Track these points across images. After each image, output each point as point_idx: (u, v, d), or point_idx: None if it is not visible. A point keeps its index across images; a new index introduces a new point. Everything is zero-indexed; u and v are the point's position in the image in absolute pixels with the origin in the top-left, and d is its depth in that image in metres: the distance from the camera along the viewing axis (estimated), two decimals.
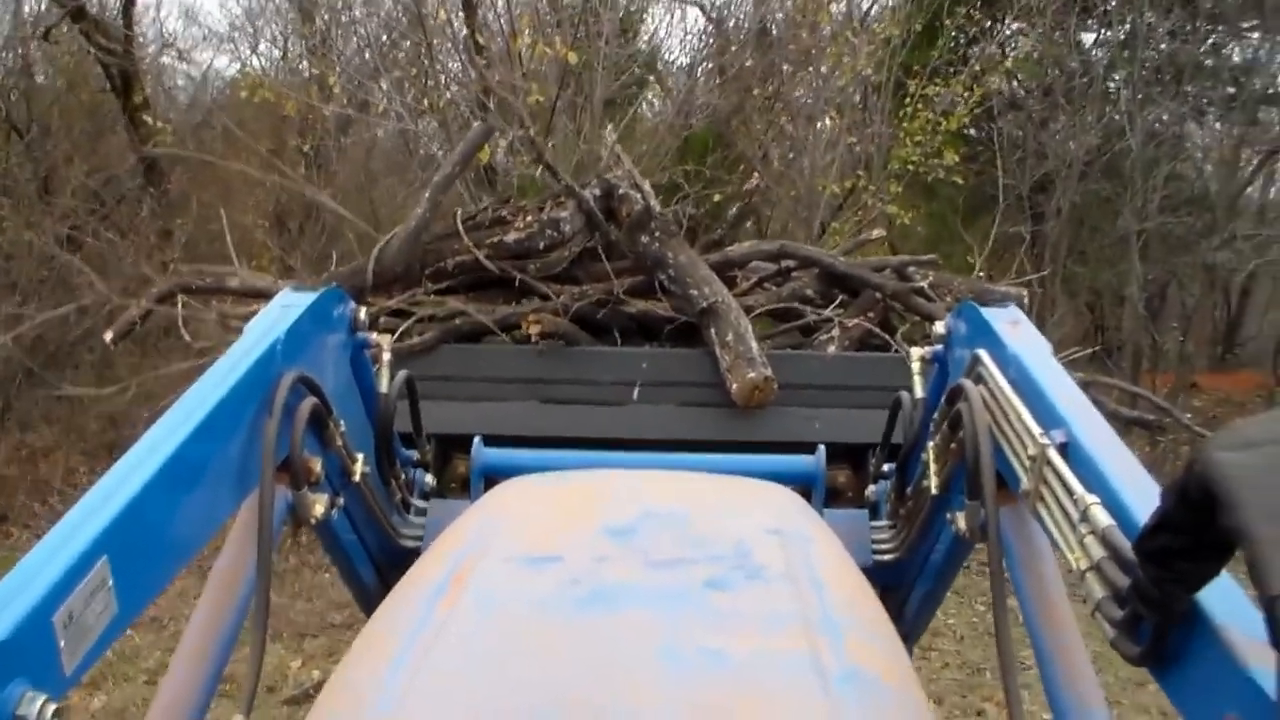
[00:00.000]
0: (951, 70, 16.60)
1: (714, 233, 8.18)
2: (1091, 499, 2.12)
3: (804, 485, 3.96)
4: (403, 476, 3.84)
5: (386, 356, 3.65)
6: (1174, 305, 22.95)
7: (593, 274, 5.48)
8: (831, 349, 5.37)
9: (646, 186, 5.53)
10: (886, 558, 3.76)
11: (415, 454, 4.09)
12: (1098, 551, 2.00)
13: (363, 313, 3.51)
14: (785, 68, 16.91)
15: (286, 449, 2.68)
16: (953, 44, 17.36)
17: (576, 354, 5.15)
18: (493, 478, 3.77)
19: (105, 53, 18.00)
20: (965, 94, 16.23)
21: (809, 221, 16.19)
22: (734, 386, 4.82)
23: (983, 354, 3.02)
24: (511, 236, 5.32)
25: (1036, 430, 2.47)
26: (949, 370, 3.55)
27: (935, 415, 3.29)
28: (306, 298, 3.13)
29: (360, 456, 3.17)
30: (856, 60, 15.48)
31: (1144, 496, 2.01)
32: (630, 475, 3.07)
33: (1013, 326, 3.14)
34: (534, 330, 5.02)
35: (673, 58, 20.10)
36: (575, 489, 2.83)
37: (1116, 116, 19.08)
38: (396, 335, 4.82)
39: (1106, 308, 23.63)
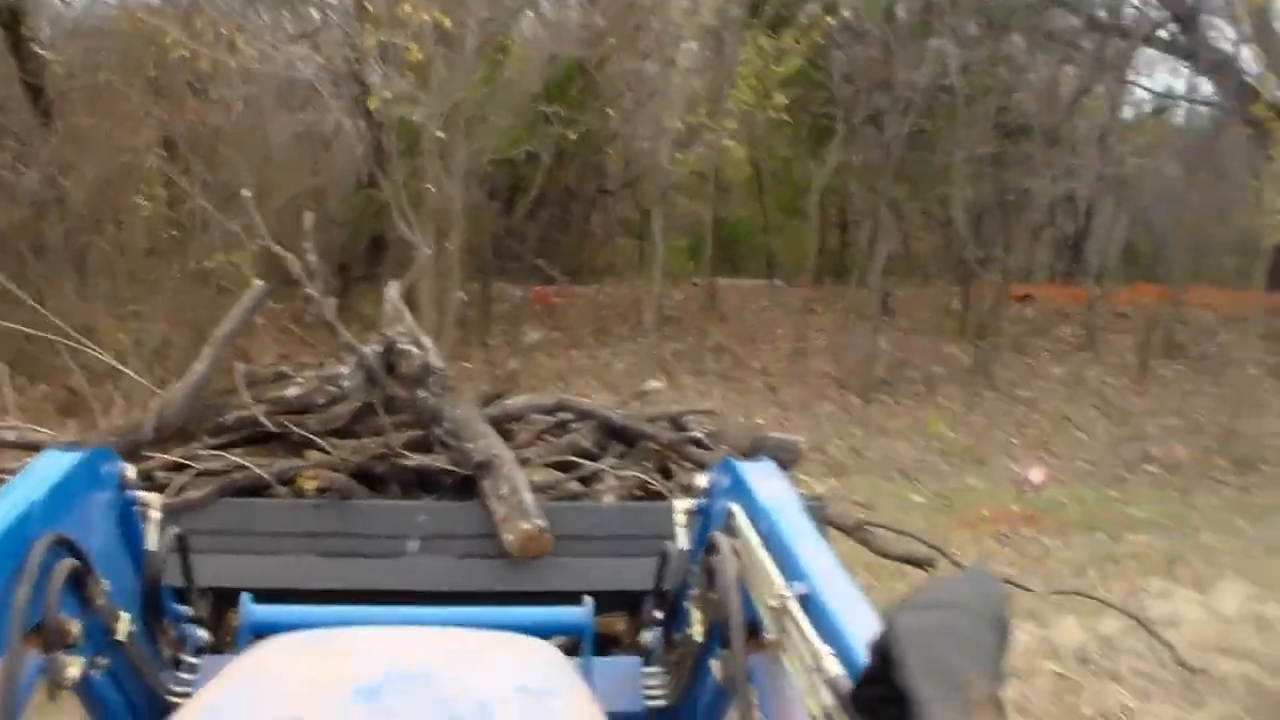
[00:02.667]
0: (787, 16, 20.50)
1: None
2: (825, 649, 2.40)
3: (574, 636, 4.31)
4: (173, 633, 4.04)
5: (155, 514, 3.86)
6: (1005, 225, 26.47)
7: (372, 428, 5.87)
8: (608, 499, 5.81)
9: (426, 341, 5.86)
10: (658, 704, 4.06)
11: (189, 610, 4.29)
12: (829, 699, 2.28)
13: (131, 471, 3.72)
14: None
15: (39, 613, 2.79)
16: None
17: (354, 508, 5.47)
18: (263, 633, 3.94)
19: None
20: (795, 43, 20.79)
21: (654, 154, 20.87)
22: (509, 538, 5.18)
23: (736, 508, 3.35)
24: (292, 392, 5.74)
25: (780, 582, 2.77)
26: (710, 522, 3.85)
27: (695, 566, 3.63)
28: (70, 458, 3.30)
29: (125, 616, 3.32)
30: (700, 14, 19.95)
31: None
32: (386, 633, 3.31)
33: (766, 480, 3.50)
34: (309, 485, 5.37)
35: None
36: (330, 647, 3.02)
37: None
38: (174, 490, 5.17)
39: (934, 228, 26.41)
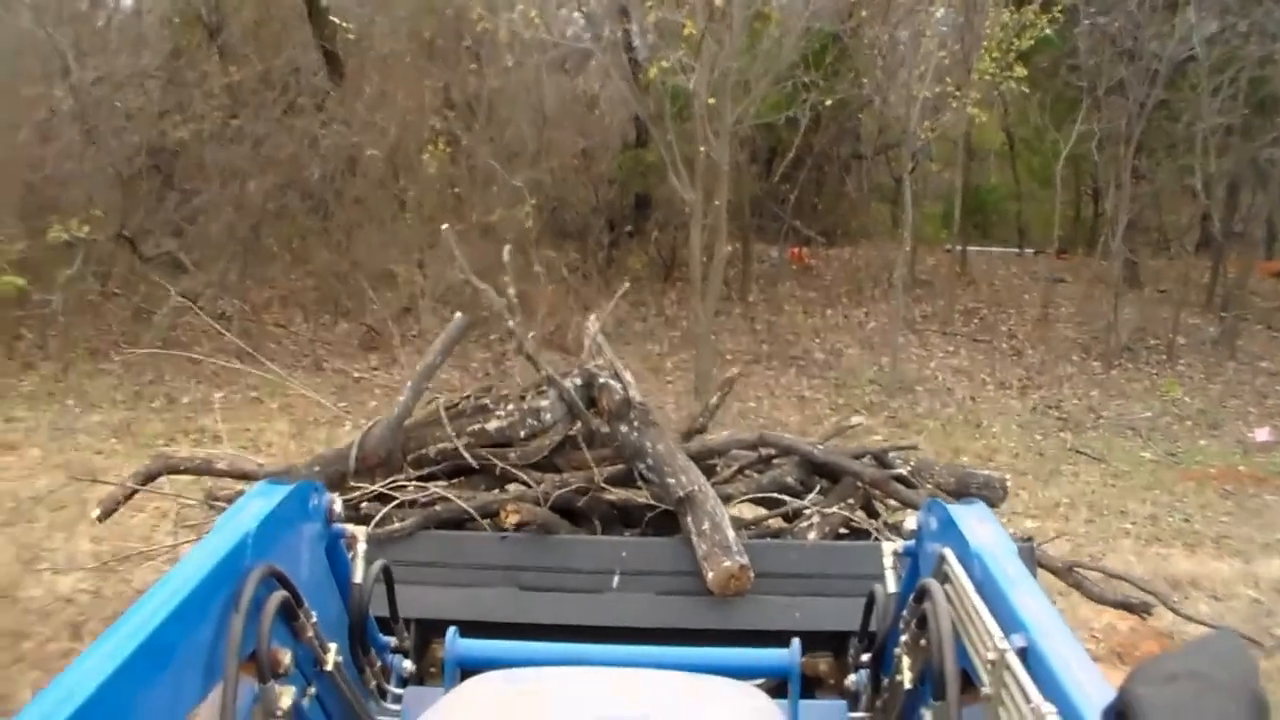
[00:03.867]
0: None
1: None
2: (1048, 708, 2.18)
3: (780, 678, 4.00)
4: (379, 663, 3.85)
5: (361, 547, 3.69)
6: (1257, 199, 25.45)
7: (573, 462, 5.54)
8: (812, 536, 5.38)
9: (627, 376, 5.54)
10: None
11: (393, 640, 4.10)
12: None
13: (338, 504, 3.56)
14: None
15: (254, 642, 2.69)
16: None
17: (555, 542, 5.17)
18: (468, 668, 3.82)
19: None
20: (1036, 17, 20.24)
21: (904, 121, 21.08)
22: (710, 575, 4.82)
23: (948, 553, 3.09)
24: (493, 425, 5.41)
25: (998, 634, 2.53)
26: (919, 566, 3.56)
27: (905, 611, 3.30)
28: (281, 491, 3.19)
29: (333, 646, 3.19)
30: None
31: (1099, 707, 1.95)
32: (596, 675, 3.10)
33: (979, 525, 3.18)
34: (512, 520, 5.06)
35: None
36: (539, 690, 2.88)
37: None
38: (377, 520, 4.93)
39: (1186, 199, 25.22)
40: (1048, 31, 20.92)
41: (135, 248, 18.80)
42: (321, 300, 20.59)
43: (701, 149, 18.38)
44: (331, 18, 20.69)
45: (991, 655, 2.51)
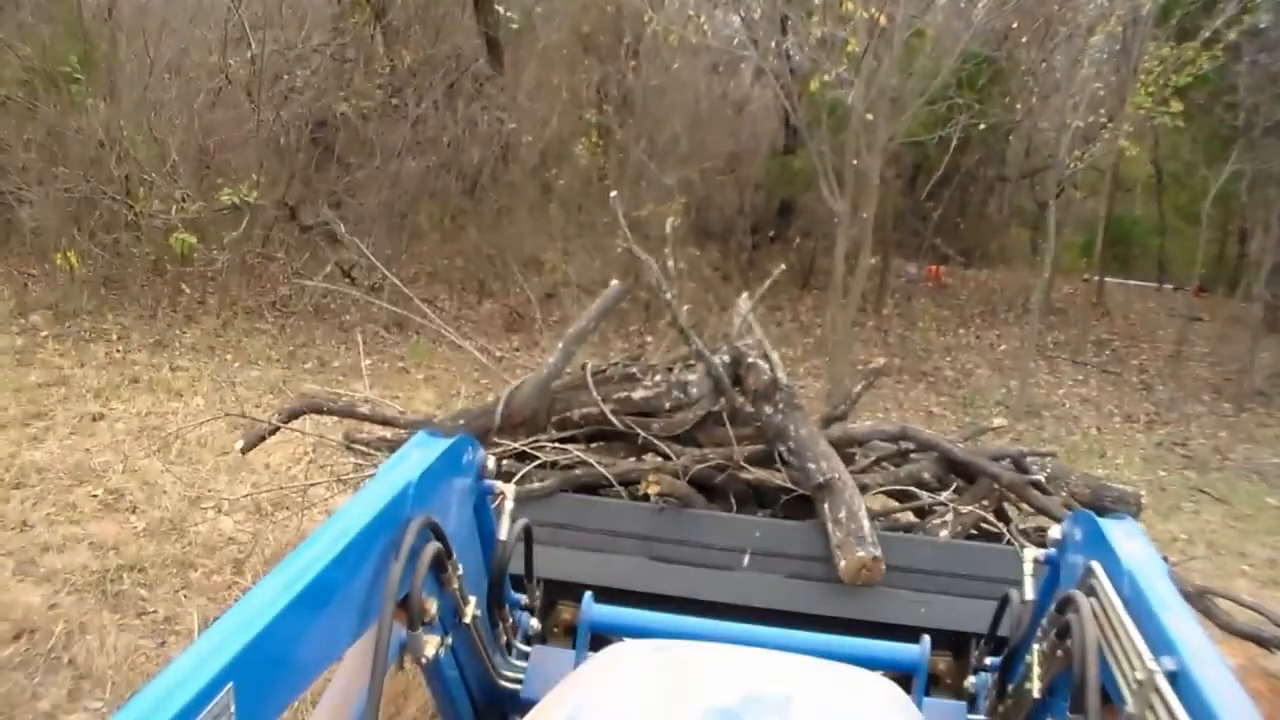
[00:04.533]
0: (1189, 26, 20.10)
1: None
2: None
3: (906, 673, 3.92)
4: (509, 619, 3.90)
5: (509, 505, 3.73)
6: None
7: (714, 438, 5.50)
8: (944, 534, 5.30)
9: (775, 357, 5.50)
10: None
11: (524, 598, 4.10)
12: None
13: (490, 461, 3.57)
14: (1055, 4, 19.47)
15: (408, 589, 2.79)
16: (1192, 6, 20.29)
17: (691, 516, 5.14)
18: (599, 633, 3.89)
19: None
20: (1196, 54, 19.30)
21: (1054, 148, 20.54)
22: (842, 563, 4.77)
23: (1096, 566, 2.98)
24: (639, 394, 5.41)
25: (1147, 654, 2.44)
26: (1060, 575, 3.47)
27: (1044, 620, 3.21)
28: (440, 443, 3.22)
29: (473, 599, 3.23)
30: (1108, 24, 19.75)
31: None
32: (737, 653, 3.04)
33: (1128, 540, 3.07)
34: (652, 490, 5.05)
35: None
36: (684, 662, 2.84)
37: None
38: (518, 478, 4.92)
39: None
40: (1205, 70, 20.42)
41: (295, 215, 19.09)
42: (468, 279, 20.76)
43: (853, 161, 18.37)
44: (496, 6, 20.89)
45: (1140, 675, 2.42)
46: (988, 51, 21.81)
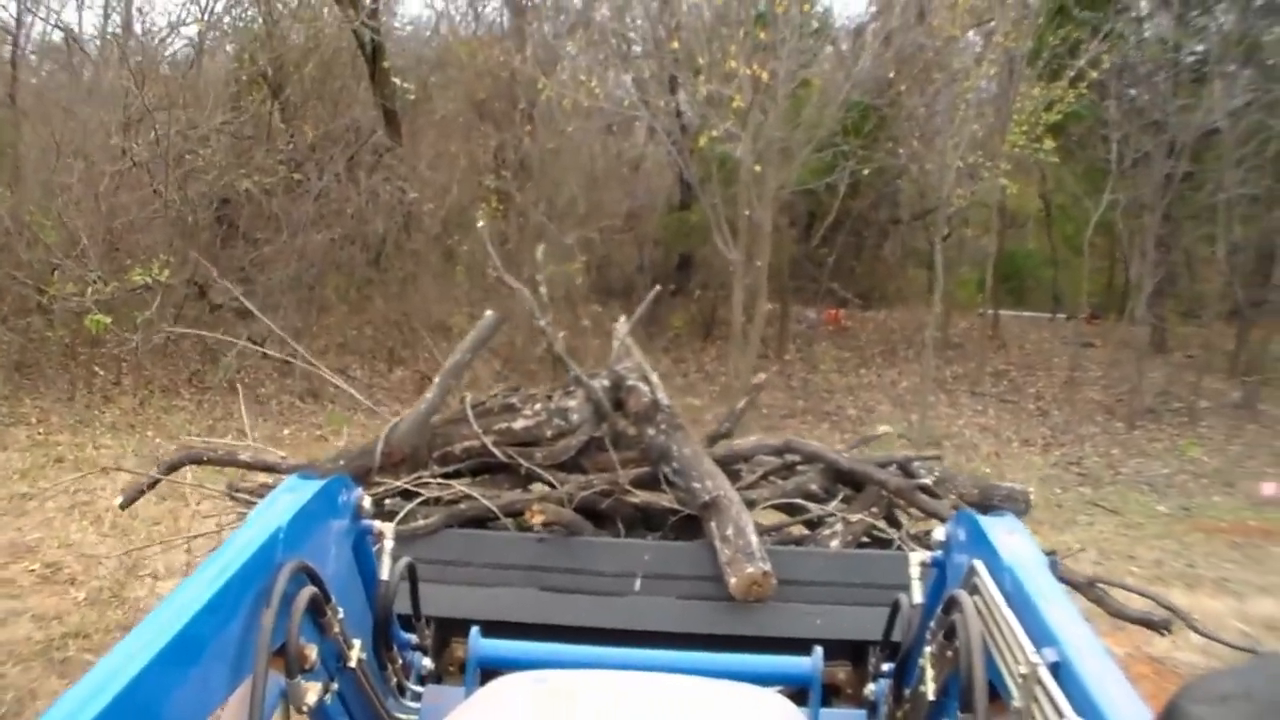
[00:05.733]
0: (1058, 67, 20.86)
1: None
2: None
3: (801, 686, 3.82)
4: (399, 660, 3.69)
5: (389, 544, 3.52)
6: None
7: (598, 464, 5.30)
8: (834, 544, 5.14)
9: (654, 378, 5.32)
10: None
11: (414, 638, 3.93)
12: None
13: (367, 500, 3.40)
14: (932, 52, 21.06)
15: (283, 637, 2.60)
16: (1059, 48, 20.98)
17: (579, 543, 4.95)
18: (489, 668, 3.69)
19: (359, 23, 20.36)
20: (1063, 93, 20.35)
21: (938, 189, 21.14)
22: (732, 580, 4.61)
23: (978, 564, 2.92)
24: (519, 424, 5.19)
25: (1029, 647, 2.38)
26: (947, 576, 3.39)
27: (932, 622, 3.14)
28: (312, 485, 3.05)
29: (357, 643, 3.06)
30: (981, 69, 20.59)
31: None
32: (618, 679, 2.96)
33: (1009, 536, 3.01)
34: (537, 520, 4.83)
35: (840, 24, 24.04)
36: (566, 691, 2.75)
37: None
38: (401, 517, 4.73)
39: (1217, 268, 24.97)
40: (1075, 106, 21.17)
41: (205, 293, 18.96)
42: (377, 348, 20.73)
43: (745, 212, 18.65)
44: (393, 78, 20.91)
45: (1023, 669, 2.35)
46: (870, 100, 22.23)
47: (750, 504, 5.18)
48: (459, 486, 5.16)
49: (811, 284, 25.66)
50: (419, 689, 3.88)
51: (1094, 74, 20.54)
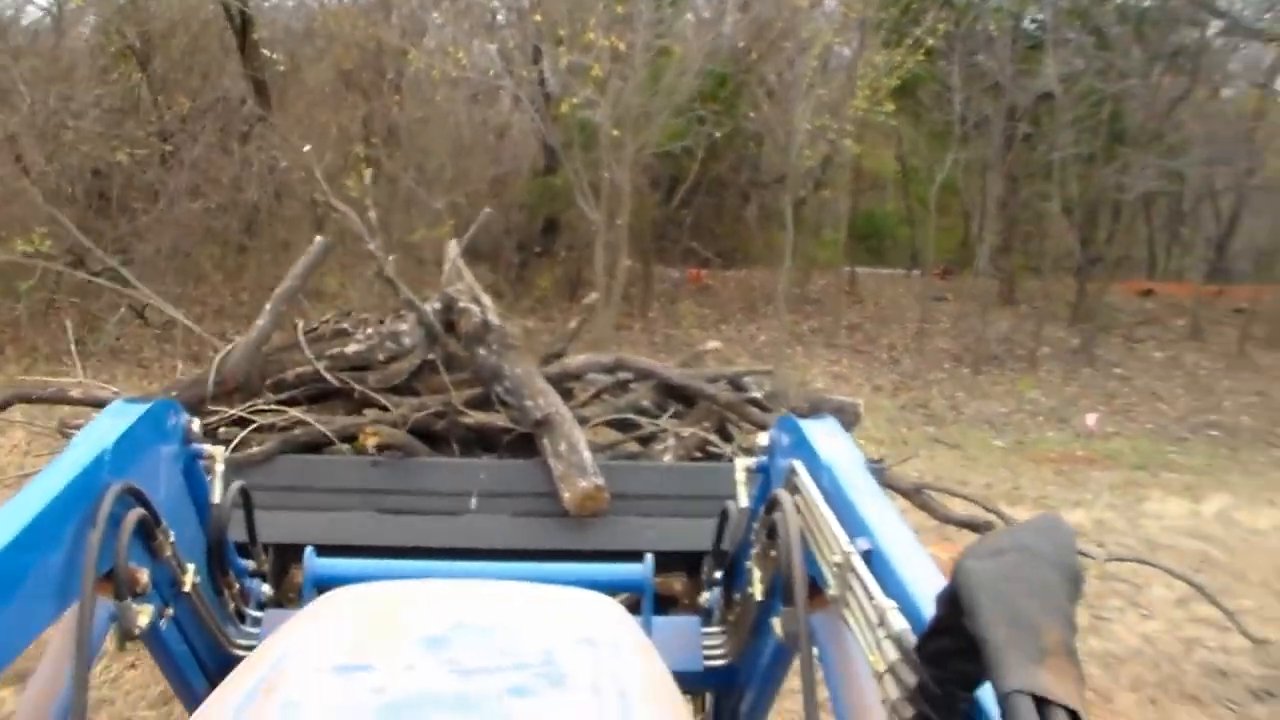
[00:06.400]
0: (901, 34, 21.63)
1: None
2: (889, 603, 2.06)
3: (635, 593, 3.77)
4: (237, 586, 3.58)
5: (219, 468, 3.42)
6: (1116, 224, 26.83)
7: (432, 386, 5.20)
8: (667, 458, 5.12)
9: (486, 300, 5.24)
10: (718, 663, 3.59)
11: (251, 564, 3.81)
12: (893, 654, 1.94)
13: (196, 424, 3.27)
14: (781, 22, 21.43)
15: (111, 559, 2.51)
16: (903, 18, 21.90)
17: (414, 465, 4.88)
18: (325, 587, 3.43)
19: None
20: (904, 59, 20.95)
21: (788, 150, 21.38)
22: (566, 495, 4.58)
23: (798, 464, 2.92)
24: (352, 348, 5.08)
25: (843, 538, 2.40)
26: (771, 480, 3.36)
27: (756, 524, 3.12)
28: (137, 409, 2.95)
29: (191, 567, 2.96)
30: (826, 35, 21.34)
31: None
32: (450, 586, 2.84)
33: (828, 437, 3.05)
34: (371, 442, 4.75)
35: None
36: (395, 599, 2.65)
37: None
38: (234, 444, 4.57)
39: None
40: (915, 70, 21.63)
41: (82, 263, 18.52)
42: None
43: (605, 175, 18.86)
44: (262, 50, 20.67)
45: (837, 559, 2.36)
46: (726, 69, 22.41)
47: (583, 421, 5.12)
48: (293, 412, 5.00)
49: (674, 244, 25.85)
50: (259, 614, 3.75)
51: (930, 41, 20.94)
